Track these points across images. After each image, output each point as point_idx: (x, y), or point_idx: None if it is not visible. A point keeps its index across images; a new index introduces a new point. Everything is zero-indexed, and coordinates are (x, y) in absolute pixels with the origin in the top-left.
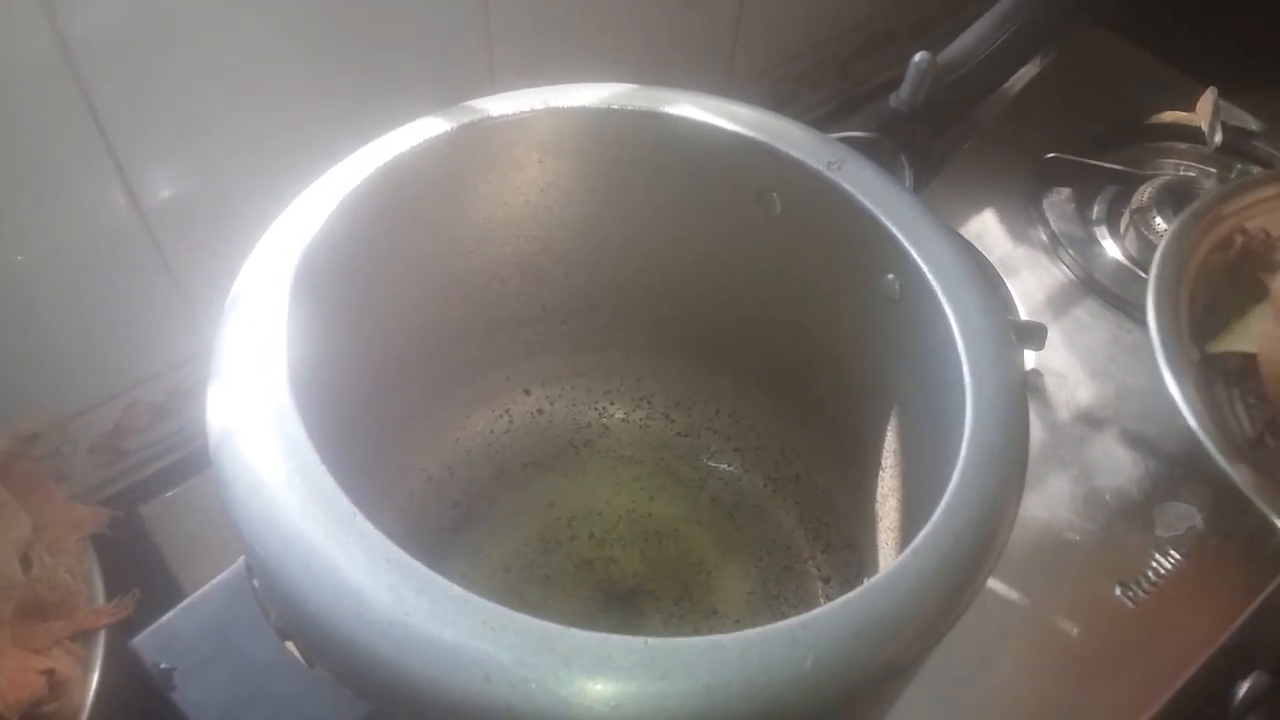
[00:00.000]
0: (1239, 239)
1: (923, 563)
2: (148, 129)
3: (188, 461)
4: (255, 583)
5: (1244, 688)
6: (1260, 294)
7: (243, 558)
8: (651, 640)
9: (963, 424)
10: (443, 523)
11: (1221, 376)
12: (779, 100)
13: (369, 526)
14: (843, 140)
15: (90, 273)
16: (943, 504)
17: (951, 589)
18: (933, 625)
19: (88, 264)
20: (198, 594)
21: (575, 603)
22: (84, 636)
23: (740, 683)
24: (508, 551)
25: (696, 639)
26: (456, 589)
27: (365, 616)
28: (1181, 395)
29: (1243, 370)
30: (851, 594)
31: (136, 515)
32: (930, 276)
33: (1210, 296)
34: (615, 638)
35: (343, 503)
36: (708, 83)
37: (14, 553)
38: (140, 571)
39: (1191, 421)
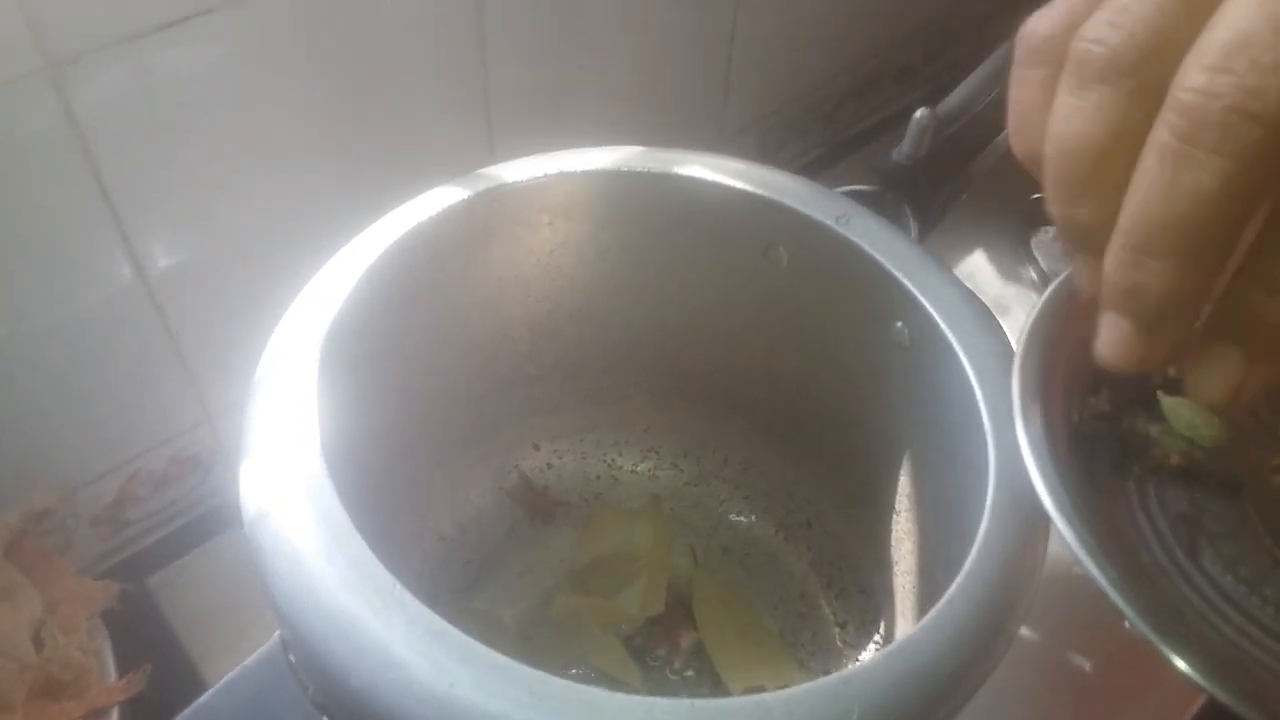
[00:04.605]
0: None
1: (959, 611)
2: (153, 198)
3: (188, 530)
4: (291, 658)
5: None
6: None
7: (277, 633)
8: (697, 702)
9: (985, 468)
10: (456, 583)
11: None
12: (768, 150)
13: (409, 596)
14: (847, 194)
15: (94, 342)
16: (974, 550)
17: (989, 635)
18: (973, 672)
19: (91, 333)
20: (234, 673)
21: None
22: (97, 715)
23: None
24: (522, 611)
25: (741, 699)
26: (499, 657)
27: (410, 690)
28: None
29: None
30: (892, 646)
31: (144, 587)
32: (942, 324)
33: None
34: (660, 701)
35: (381, 573)
36: (700, 137)
37: (27, 633)
38: (150, 644)
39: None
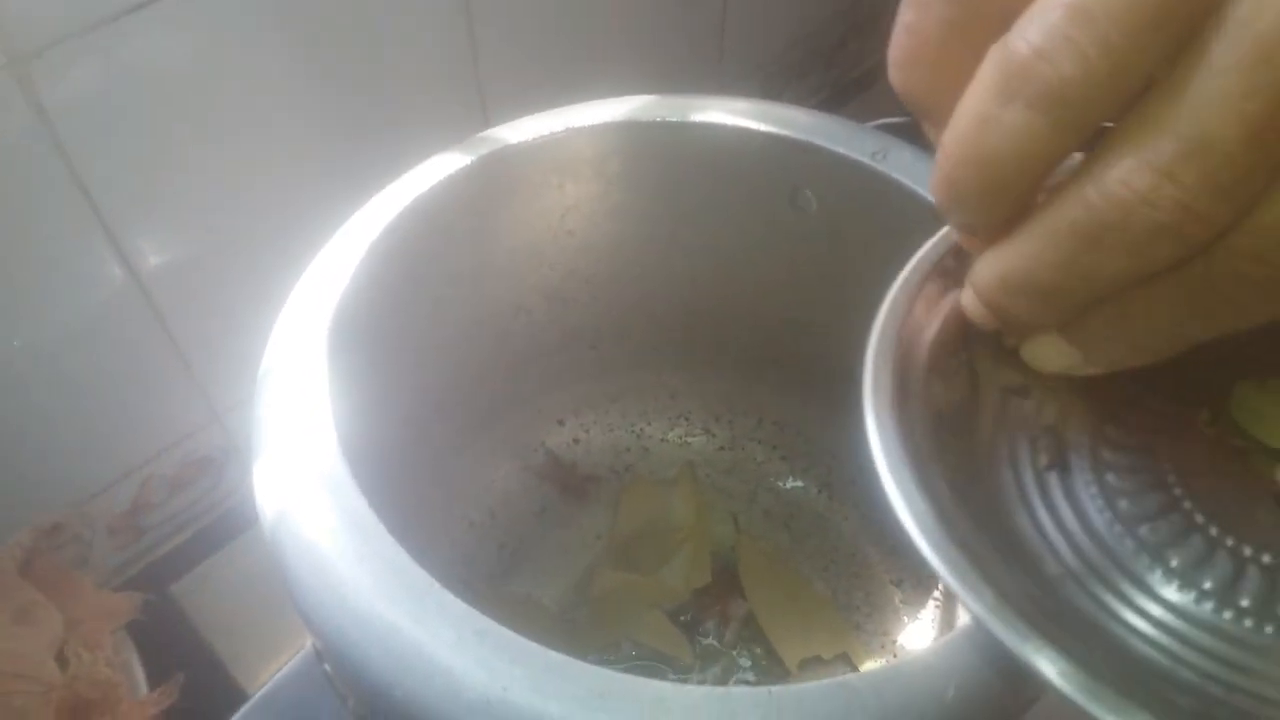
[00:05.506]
0: None
1: None
2: (137, 194)
3: (208, 533)
4: (327, 668)
5: None
6: None
7: (310, 642)
8: (775, 689)
9: None
10: (491, 569)
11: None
12: (769, 95)
13: (449, 596)
14: (880, 128)
15: (90, 348)
16: None
17: None
18: None
19: (87, 339)
20: (267, 688)
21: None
22: None
23: None
24: (562, 592)
25: (824, 683)
26: (554, 655)
27: (460, 697)
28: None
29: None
30: None
31: (168, 595)
32: None
33: None
34: (736, 690)
35: (417, 572)
36: (698, 84)
37: (49, 653)
38: (179, 654)
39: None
